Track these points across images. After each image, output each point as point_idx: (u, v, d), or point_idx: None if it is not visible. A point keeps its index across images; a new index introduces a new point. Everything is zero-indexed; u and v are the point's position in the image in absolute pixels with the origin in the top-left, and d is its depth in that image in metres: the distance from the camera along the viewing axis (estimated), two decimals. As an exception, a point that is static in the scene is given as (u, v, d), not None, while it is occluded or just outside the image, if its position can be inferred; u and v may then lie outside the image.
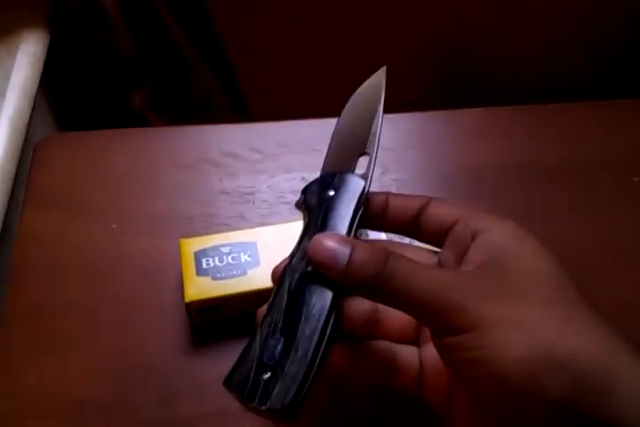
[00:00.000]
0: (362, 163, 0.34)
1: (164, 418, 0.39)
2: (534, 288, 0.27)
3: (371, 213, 0.32)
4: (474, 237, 0.30)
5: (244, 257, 0.41)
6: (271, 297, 0.30)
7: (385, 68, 0.36)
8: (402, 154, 0.51)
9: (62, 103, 0.72)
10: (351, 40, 0.83)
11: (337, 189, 0.32)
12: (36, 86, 0.59)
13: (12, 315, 0.43)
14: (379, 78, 0.36)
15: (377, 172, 0.50)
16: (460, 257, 0.30)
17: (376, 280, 0.27)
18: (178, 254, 0.41)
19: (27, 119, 0.56)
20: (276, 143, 0.52)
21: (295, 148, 0.51)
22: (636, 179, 0.50)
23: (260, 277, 0.40)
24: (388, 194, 0.33)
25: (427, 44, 0.86)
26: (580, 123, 0.53)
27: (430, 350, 0.31)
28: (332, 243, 0.28)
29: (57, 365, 0.41)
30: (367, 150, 0.34)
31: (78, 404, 0.39)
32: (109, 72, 0.73)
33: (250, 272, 0.40)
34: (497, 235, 0.29)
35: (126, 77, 0.74)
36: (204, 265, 0.40)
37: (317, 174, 0.50)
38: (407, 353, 0.33)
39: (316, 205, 0.32)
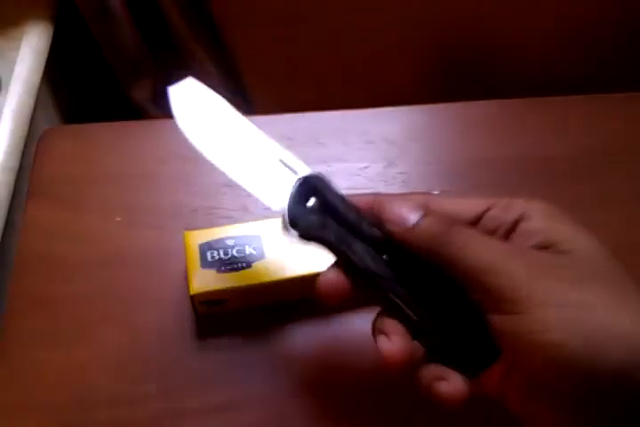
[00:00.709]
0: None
1: (167, 411, 0.39)
2: (590, 267, 0.28)
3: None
4: (515, 224, 0.30)
5: (248, 250, 0.41)
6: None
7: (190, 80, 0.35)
8: (406, 147, 0.51)
9: (65, 96, 0.72)
10: (352, 36, 0.83)
11: (314, 194, 0.33)
12: (39, 79, 0.59)
13: (16, 307, 0.43)
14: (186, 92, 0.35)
15: (381, 165, 0.50)
16: None
17: (435, 242, 0.29)
18: (182, 247, 0.41)
19: (30, 112, 0.56)
20: (279, 136, 0.51)
21: (298, 140, 0.51)
22: (642, 172, 0.49)
23: (264, 270, 0.40)
24: (376, 197, 0.32)
25: (427, 41, 0.86)
26: (586, 116, 0.53)
27: None
28: (406, 208, 0.30)
29: (60, 357, 0.41)
30: (277, 156, 0.35)
31: (80, 396, 0.39)
32: (112, 65, 0.73)
33: (255, 265, 0.40)
34: (536, 221, 0.30)
35: (130, 70, 0.74)
36: (209, 258, 0.40)
37: (320, 167, 0.50)
38: None
39: (319, 224, 0.32)
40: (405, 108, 0.53)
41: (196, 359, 0.41)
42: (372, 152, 0.51)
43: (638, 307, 0.27)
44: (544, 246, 0.29)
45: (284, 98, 0.74)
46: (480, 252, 0.28)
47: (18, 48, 0.58)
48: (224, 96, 0.34)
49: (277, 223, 0.42)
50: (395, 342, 0.30)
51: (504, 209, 0.31)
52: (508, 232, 0.30)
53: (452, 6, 0.80)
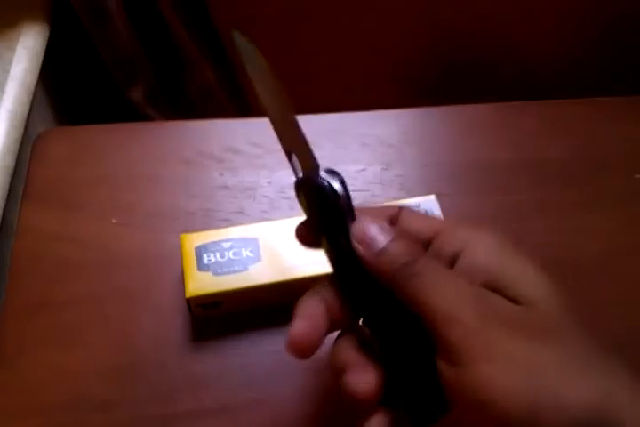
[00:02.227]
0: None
1: (163, 413, 0.39)
2: (545, 322, 0.26)
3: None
4: (455, 257, 0.29)
5: (245, 253, 0.41)
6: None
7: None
8: (404, 150, 0.51)
9: (62, 97, 0.72)
10: (351, 37, 0.83)
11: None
12: (35, 80, 0.58)
13: (12, 309, 0.43)
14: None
15: (378, 167, 0.50)
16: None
17: (400, 273, 0.28)
18: (178, 250, 0.41)
19: (26, 113, 0.56)
20: (276, 138, 0.51)
21: (296, 143, 0.51)
22: (637, 175, 0.50)
23: (261, 273, 0.40)
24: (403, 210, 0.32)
25: (427, 41, 0.86)
26: (582, 119, 0.53)
27: None
28: (375, 228, 0.29)
29: (56, 360, 0.41)
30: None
31: (77, 399, 0.39)
32: (109, 66, 0.73)
33: (251, 268, 0.40)
34: (480, 256, 0.29)
35: (126, 72, 0.74)
36: (205, 260, 0.40)
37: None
38: None
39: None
40: (402, 111, 0.54)
41: (191, 362, 0.41)
42: (369, 155, 0.51)
43: (595, 370, 0.25)
44: (490, 288, 0.27)
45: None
46: (441, 294, 0.27)
47: (14, 49, 0.58)
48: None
49: (275, 226, 0.42)
50: (367, 379, 0.29)
51: (449, 235, 0.30)
52: (450, 264, 0.29)
53: (452, 8, 0.80)
